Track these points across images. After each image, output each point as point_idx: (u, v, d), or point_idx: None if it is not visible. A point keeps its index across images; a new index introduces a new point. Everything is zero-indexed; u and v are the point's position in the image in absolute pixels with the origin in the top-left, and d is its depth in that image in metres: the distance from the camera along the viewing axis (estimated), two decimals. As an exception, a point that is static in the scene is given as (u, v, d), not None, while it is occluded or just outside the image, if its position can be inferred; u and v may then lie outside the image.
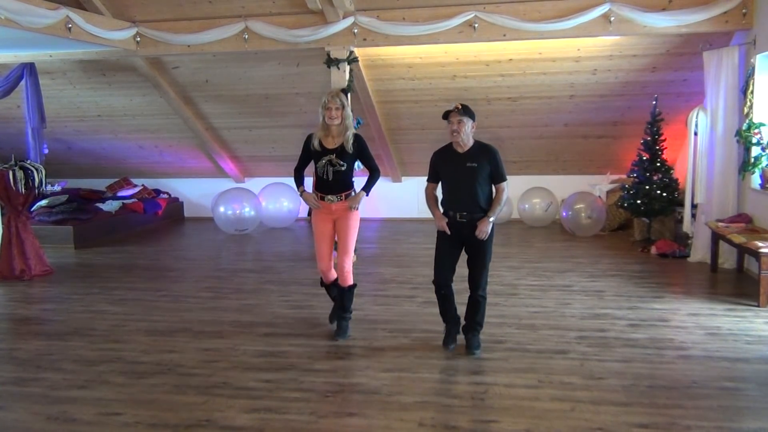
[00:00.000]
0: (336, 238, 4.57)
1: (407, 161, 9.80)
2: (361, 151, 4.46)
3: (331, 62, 7.02)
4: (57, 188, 9.64)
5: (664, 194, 7.49)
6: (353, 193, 4.48)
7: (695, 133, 6.79)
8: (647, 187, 7.54)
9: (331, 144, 4.39)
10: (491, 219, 4.07)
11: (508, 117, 8.66)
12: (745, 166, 6.29)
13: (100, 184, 10.66)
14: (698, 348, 4.23)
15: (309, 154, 4.49)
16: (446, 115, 4.16)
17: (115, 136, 10.00)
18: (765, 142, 6.11)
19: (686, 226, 7.11)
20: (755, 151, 6.19)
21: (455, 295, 4.29)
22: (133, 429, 3.24)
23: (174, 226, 10.09)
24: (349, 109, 4.41)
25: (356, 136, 4.44)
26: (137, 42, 7.44)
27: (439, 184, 4.31)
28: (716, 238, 6.31)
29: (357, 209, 4.49)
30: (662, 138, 7.60)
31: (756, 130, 6.14)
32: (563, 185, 9.32)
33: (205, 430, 3.21)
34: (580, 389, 3.59)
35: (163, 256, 7.80)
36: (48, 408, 3.49)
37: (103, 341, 4.58)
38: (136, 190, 10.49)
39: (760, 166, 6.14)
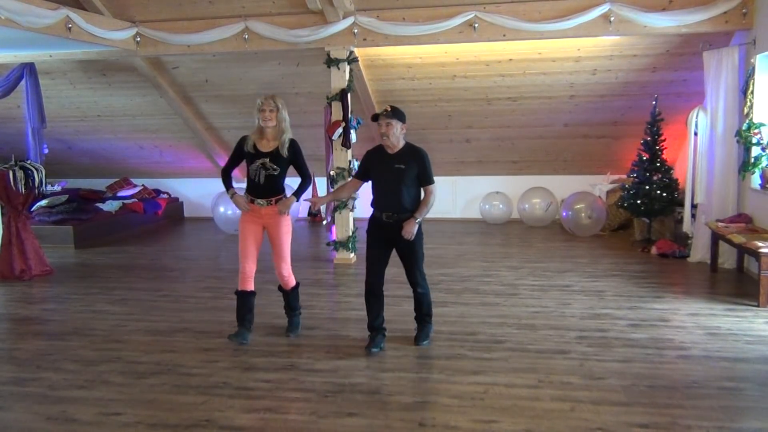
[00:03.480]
0: (271, 246, 4.48)
1: (407, 161, 9.78)
2: (295, 156, 4.40)
3: (331, 62, 7.02)
4: (57, 188, 9.66)
5: (664, 194, 7.49)
6: (283, 198, 4.42)
7: (695, 133, 6.80)
8: (647, 187, 7.54)
9: (265, 147, 4.34)
10: (417, 220, 4.12)
11: (508, 117, 8.66)
12: (745, 166, 6.29)
13: (100, 184, 10.66)
14: (698, 348, 4.23)
15: (241, 155, 4.43)
16: (375, 118, 4.18)
17: (115, 136, 10.00)
18: (765, 142, 6.10)
19: (686, 226, 7.11)
20: (755, 151, 6.19)
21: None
22: (133, 429, 3.24)
23: (174, 226, 10.08)
24: (285, 113, 4.34)
25: (292, 141, 4.38)
26: (137, 42, 7.44)
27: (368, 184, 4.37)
28: (716, 238, 6.31)
29: (287, 214, 4.43)
30: (662, 138, 7.60)
31: (756, 130, 6.14)
32: (563, 185, 9.32)
33: (205, 430, 3.21)
34: (580, 389, 3.60)
35: (163, 256, 7.80)
36: (48, 408, 3.49)
37: (103, 341, 4.58)
38: (136, 190, 10.49)
39: (760, 166, 6.14)
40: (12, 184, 6.42)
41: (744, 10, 6.28)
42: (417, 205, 4.19)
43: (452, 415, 3.32)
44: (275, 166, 4.31)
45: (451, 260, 7.12)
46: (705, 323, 4.75)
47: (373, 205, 4.30)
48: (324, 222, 9.30)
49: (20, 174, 6.49)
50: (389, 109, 4.13)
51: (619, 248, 7.70)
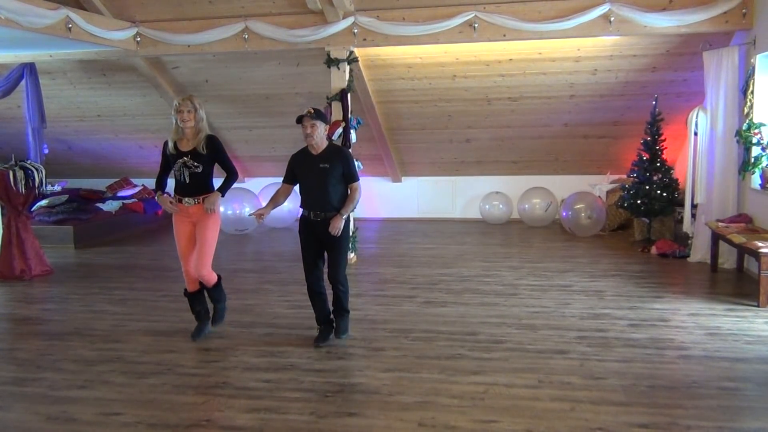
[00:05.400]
0: (196, 245, 4.49)
1: (407, 161, 9.80)
2: (216, 152, 4.41)
3: (331, 62, 7.02)
4: (57, 188, 9.64)
5: (664, 194, 7.49)
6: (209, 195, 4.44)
7: (695, 133, 6.79)
8: (647, 187, 7.54)
9: (185, 146, 4.39)
10: (343, 216, 4.25)
11: (508, 117, 8.66)
12: (745, 166, 6.29)
13: (100, 184, 10.65)
14: (698, 348, 4.23)
15: (167, 159, 4.48)
16: (299, 120, 4.27)
17: (115, 136, 10.00)
18: (765, 142, 6.10)
19: (686, 226, 7.10)
20: (755, 151, 6.19)
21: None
22: (133, 429, 3.24)
23: (174, 226, 10.06)
24: (202, 112, 4.39)
25: (209, 137, 4.42)
26: (137, 42, 7.44)
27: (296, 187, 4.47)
28: (716, 238, 6.31)
29: (215, 211, 4.43)
30: (662, 138, 7.60)
31: (756, 130, 6.14)
32: (563, 185, 9.32)
33: (205, 430, 3.21)
34: (580, 389, 3.59)
35: (163, 256, 7.80)
36: (48, 408, 3.49)
37: (103, 341, 4.58)
38: (136, 190, 10.48)
39: (760, 166, 6.14)
40: (12, 184, 6.42)
41: (744, 10, 6.28)
42: (342, 202, 4.30)
43: (452, 415, 3.32)
44: (196, 164, 4.35)
45: (451, 260, 7.12)
46: (705, 323, 4.75)
47: (301, 205, 4.41)
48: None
49: (20, 174, 6.49)
50: (312, 111, 4.25)
51: (619, 248, 7.70)
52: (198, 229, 4.46)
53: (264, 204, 4.76)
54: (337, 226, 4.21)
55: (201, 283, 4.61)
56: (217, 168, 4.49)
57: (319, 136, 4.25)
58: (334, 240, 4.28)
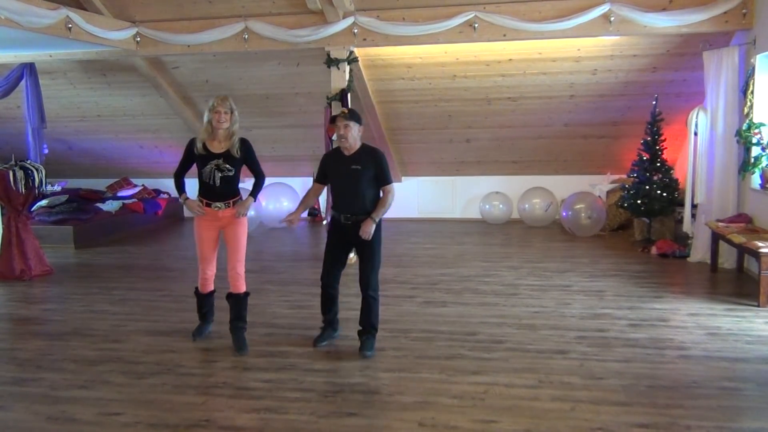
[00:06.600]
0: (227, 247, 4.42)
1: (407, 161, 9.80)
2: (248, 155, 4.32)
3: (331, 62, 7.03)
4: (57, 188, 9.65)
5: (664, 194, 7.49)
6: (241, 200, 4.36)
7: (695, 133, 6.79)
8: (647, 187, 7.54)
9: (217, 148, 4.23)
10: (375, 220, 4.12)
11: (508, 117, 8.66)
12: (745, 166, 6.29)
13: (100, 184, 10.65)
14: (698, 348, 4.23)
15: (191, 159, 4.34)
16: (333, 120, 4.21)
17: (115, 136, 10.00)
18: (765, 142, 6.10)
19: (686, 226, 7.11)
20: (755, 151, 6.19)
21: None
22: (133, 429, 3.24)
23: (174, 226, 10.08)
24: (237, 114, 4.28)
25: (242, 140, 4.33)
26: (137, 42, 7.44)
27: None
28: (716, 238, 6.31)
29: (245, 215, 4.38)
30: (662, 138, 7.60)
31: (756, 130, 6.14)
32: (563, 185, 9.32)
33: (205, 430, 3.21)
34: (580, 389, 3.60)
35: (163, 256, 7.80)
36: (48, 408, 3.49)
37: (103, 341, 4.58)
38: (136, 190, 10.49)
39: (760, 166, 6.14)
40: (12, 184, 6.42)
41: (744, 10, 6.28)
42: (374, 205, 4.19)
43: (452, 415, 3.32)
44: (229, 167, 4.24)
45: (451, 260, 7.12)
46: (705, 323, 4.75)
47: (332, 206, 4.35)
48: (324, 222, 9.30)
49: (20, 174, 6.49)
50: (347, 111, 4.20)
51: (619, 248, 7.70)
52: (229, 233, 4.35)
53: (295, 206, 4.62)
54: (367, 231, 4.08)
55: (229, 294, 4.47)
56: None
57: (353, 136, 4.14)
58: (365, 244, 4.15)
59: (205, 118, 4.24)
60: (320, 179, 4.41)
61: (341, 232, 4.26)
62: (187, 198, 4.34)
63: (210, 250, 4.43)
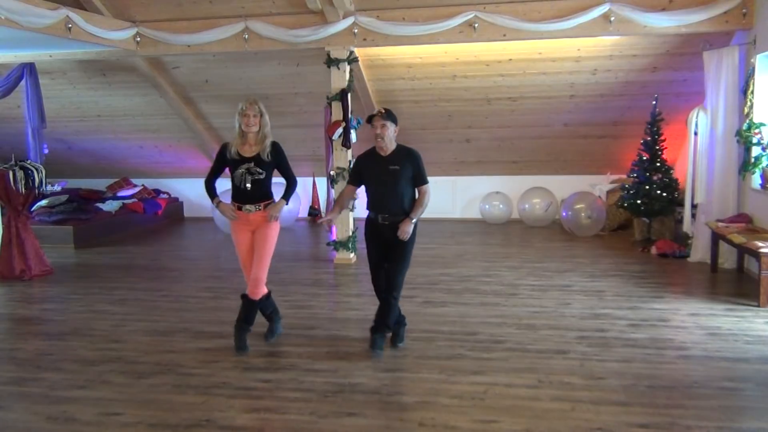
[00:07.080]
0: (254, 250, 4.35)
1: (407, 161, 9.78)
2: (279, 158, 4.31)
3: (331, 62, 7.02)
4: (57, 188, 9.64)
5: (664, 194, 7.49)
6: (273, 203, 4.34)
7: (695, 133, 6.79)
8: (647, 187, 7.54)
9: (248, 152, 4.24)
10: (413, 220, 4.12)
11: (508, 117, 8.66)
12: (745, 166, 6.29)
13: (100, 184, 10.66)
14: (698, 348, 4.23)
15: (224, 163, 4.34)
16: (370, 119, 4.19)
17: (115, 136, 10.00)
18: (765, 142, 6.11)
19: (686, 226, 7.10)
20: (755, 151, 6.19)
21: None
22: (133, 429, 3.24)
23: (174, 226, 10.08)
24: (267, 117, 4.26)
25: (274, 144, 4.30)
26: (137, 42, 7.43)
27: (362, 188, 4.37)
28: (716, 238, 6.31)
29: (277, 219, 4.35)
30: (662, 138, 7.60)
31: (756, 130, 6.14)
32: (563, 185, 9.32)
33: (205, 430, 3.21)
34: (580, 389, 3.60)
35: (163, 256, 7.80)
36: (48, 408, 3.49)
37: (103, 341, 4.58)
38: (136, 190, 10.49)
39: (760, 166, 6.14)
40: (12, 184, 6.42)
41: (744, 10, 6.28)
42: (411, 205, 4.19)
43: (452, 415, 3.32)
44: (260, 170, 4.23)
45: (451, 260, 7.12)
46: (705, 323, 4.75)
47: (368, 207, 4.30)
48: (320, 221, 9.30)
49: (20, 174, 6.49)
50: (384, 111, 4.16)
51: (619, 248, 7.70)
52: (258, 236, 4.30)
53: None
54: (406, 231, 4.07)
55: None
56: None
57: (389, 137, 4.13)
58: (399, 245, 4.14)
59: (236, 123, 4.24)
60: (354, 181, 4.38)
61: (377, 232, 4.23)
62: (221, 202, 4.32)
63: (247, 254, 4.37)
